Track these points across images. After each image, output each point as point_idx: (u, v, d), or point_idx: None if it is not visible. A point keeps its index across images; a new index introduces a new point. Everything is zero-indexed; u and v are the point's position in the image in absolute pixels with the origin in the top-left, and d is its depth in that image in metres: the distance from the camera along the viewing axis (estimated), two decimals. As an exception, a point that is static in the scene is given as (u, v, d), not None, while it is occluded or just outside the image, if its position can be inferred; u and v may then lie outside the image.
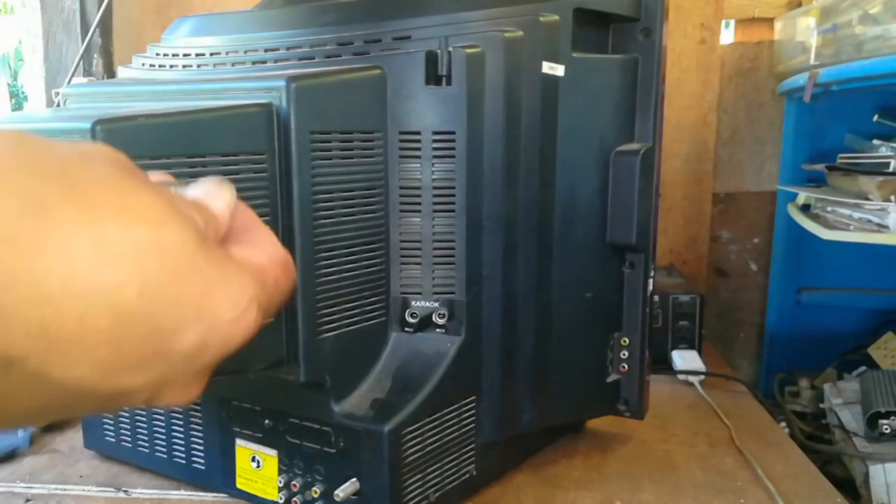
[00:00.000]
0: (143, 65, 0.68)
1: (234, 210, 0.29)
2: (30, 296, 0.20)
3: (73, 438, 0.79)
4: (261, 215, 0.50)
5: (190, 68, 0.65)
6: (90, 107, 0.60)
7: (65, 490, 0.68)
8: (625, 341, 0.72)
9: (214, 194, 0.29)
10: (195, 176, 0.46)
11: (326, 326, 0.55)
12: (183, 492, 0.68)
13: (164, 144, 0.45)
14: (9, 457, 0.75)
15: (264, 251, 0.29)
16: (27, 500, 0.67)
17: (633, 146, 0.67)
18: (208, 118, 0.48)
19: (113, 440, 0.72)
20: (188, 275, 0.24)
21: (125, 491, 0.68)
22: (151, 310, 0.22)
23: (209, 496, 0.67)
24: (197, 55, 0.64)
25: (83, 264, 0.21)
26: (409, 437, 0.57)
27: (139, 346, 0.23)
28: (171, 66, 0.66)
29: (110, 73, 1.23)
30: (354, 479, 0.57)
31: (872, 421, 0.87)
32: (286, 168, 0.51)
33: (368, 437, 0.56)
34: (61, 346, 0.21)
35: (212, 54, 0.64)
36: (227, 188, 0.30)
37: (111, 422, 0.71)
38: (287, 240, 0.52)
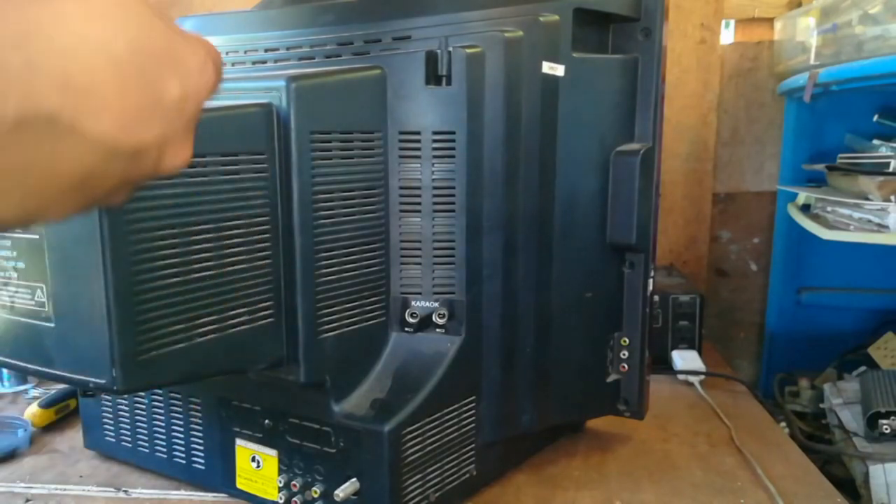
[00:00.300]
0: (143, 65, 0.68)
1: None
2: (48, 49, 0.24)
3: (73, 438, 0.79)
4: (261, 215, 0.50)
5: (190, 68, 0.65)
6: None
7: (65, 490, 0.68)
8: (625, 341, 0.72)
9: None
10: (195, 176, 0.46)
11: (326, 326, 0.55)
12: (183, 492, 0.68)
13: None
14: (9, 457, 0.75)
15: (194, 33, 0.34)
16: (27, 500, 0.67)
17: (633, 146, 0.67)
18: (208, 118, 0.47)
19: (113, 440, 0.72)
20: (158, 33, 0.28)
21: (125, 491, 0.68)
22: (139, 61, 0.27)
23: (209, 496, 0.67)
24: (197, 55, 0.64)
25: (79, 22, 0.25)
26: (409, 437, 0.57)
27: (140, 96, 0.27)
28: (171, 66, 0.66)
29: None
30: (354, 479, 0.57)
31: (872, 421, 0.87)
32: (286, 168, 0.51)
33: (368, 437, 0.56)
34: (83, 97, 0.25)
35: (212, 54, 0.63)
36: None
37: (111, 422, 0.71)
38: (287, 240, 0.52)
